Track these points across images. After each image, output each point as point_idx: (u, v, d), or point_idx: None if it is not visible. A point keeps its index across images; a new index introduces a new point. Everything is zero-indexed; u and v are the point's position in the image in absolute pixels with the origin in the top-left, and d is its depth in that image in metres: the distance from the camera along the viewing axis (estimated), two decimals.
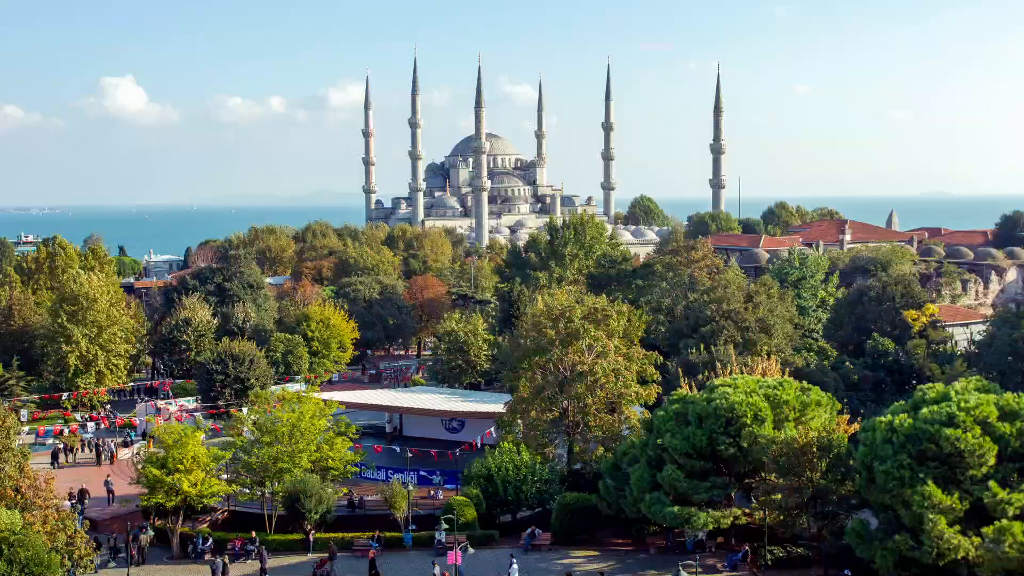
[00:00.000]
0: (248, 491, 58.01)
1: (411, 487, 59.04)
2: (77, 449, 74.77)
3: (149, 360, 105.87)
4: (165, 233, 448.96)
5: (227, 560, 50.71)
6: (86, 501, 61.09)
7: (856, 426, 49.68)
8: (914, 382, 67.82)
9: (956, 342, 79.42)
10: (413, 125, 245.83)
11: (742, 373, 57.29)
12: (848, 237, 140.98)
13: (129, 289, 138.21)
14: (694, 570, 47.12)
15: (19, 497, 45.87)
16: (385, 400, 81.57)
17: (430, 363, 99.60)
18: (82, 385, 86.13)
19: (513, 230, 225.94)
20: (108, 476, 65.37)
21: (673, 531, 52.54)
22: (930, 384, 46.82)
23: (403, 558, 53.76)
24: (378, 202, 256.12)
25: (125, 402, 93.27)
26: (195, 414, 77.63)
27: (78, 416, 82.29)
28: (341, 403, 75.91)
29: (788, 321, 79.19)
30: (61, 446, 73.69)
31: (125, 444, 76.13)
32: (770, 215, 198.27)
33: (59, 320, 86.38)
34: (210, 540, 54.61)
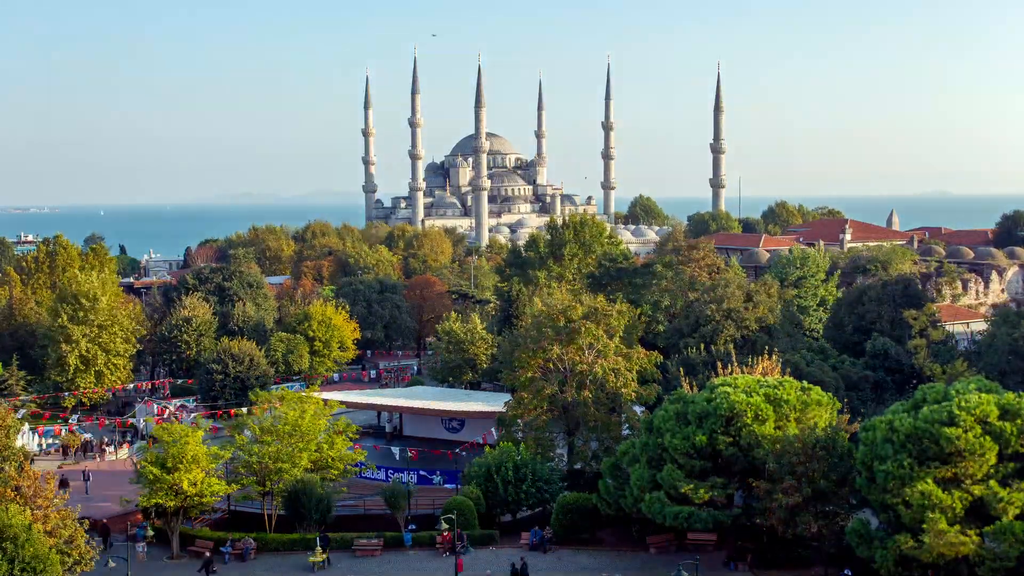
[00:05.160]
0: (248, 490, 57.93)
1: (411, 487, 59.04)
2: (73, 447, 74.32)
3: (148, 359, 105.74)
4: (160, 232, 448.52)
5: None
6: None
7: (856, 426, 49.62)
8: (914, 382, 67.81)
9: (956, 342, 79.33)
10: (413, 124, 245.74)
11: (742, 372, 57.26)
12: (848, 237, 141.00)
13: (129, 289, 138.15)
14: (694, 570, 47.06)
15: (19, 496, 45.83)
16: (385, 400, 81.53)
17: (430, 363, 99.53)
18: (82, 385, 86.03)
19: (513, 229, 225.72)
20: (86, 468, 65.61)
21: (675, 530, 52.45)
22: (930, 384, 46.80)
23: (403, 558, 53.74)
24: (378, 201, 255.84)
25: (123, 401, 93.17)
26: (193, 414, 77.54)
27: (75, 418, 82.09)
28: (341, 403, 75.85)
29: (788, 320, 79.04)
30: (60, 447, 73.60)
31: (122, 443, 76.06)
32: (770, 215, 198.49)
33: (59, 320, 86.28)
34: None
